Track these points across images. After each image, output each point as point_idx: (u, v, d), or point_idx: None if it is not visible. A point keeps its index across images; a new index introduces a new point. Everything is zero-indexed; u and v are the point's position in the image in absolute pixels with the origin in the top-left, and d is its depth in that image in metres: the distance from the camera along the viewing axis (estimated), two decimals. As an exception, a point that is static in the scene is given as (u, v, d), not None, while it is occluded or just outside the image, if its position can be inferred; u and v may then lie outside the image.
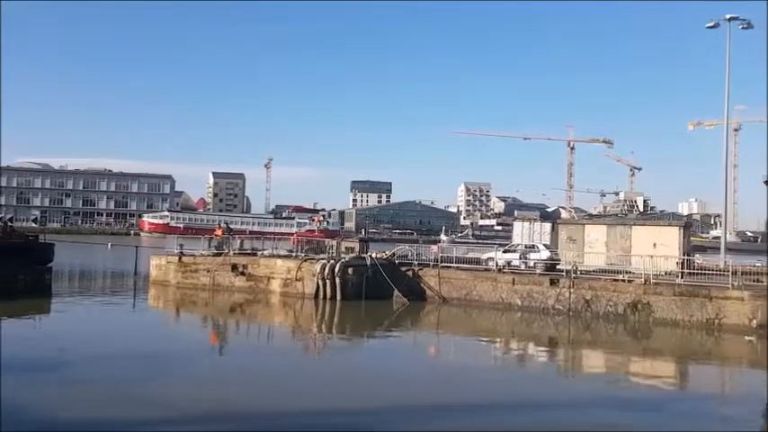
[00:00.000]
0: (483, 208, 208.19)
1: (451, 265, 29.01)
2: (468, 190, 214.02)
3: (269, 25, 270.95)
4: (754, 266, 29.36)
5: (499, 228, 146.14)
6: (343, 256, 29.17)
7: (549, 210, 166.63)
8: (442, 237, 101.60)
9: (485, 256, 30.42)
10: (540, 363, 19.22)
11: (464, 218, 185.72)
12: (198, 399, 12.15)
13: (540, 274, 27.18)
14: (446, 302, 27.42)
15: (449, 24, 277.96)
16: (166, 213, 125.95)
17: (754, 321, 21.54)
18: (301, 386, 13.84)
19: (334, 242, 32.14)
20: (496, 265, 28.25)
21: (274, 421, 11.23)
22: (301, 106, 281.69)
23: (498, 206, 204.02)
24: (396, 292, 27.75)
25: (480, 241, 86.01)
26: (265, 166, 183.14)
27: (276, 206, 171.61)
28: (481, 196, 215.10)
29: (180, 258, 31.41)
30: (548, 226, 36.49)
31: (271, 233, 56.67)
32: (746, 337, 21.12)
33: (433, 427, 11.23)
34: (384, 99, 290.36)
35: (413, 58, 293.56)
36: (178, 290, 29.94)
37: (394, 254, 30.78)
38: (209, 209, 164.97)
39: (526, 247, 31.00)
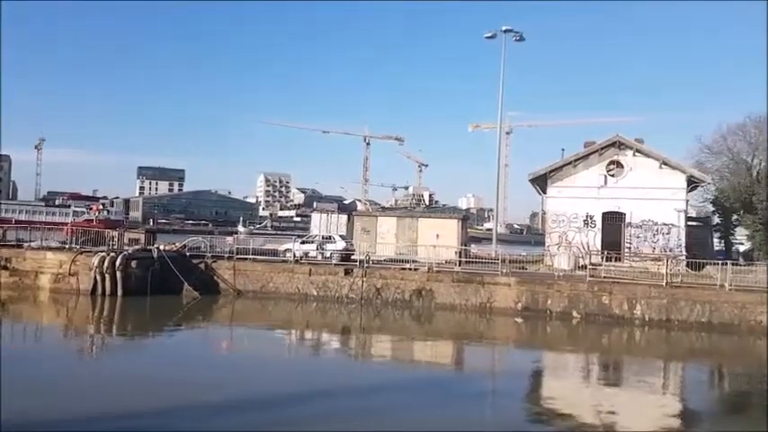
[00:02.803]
0: (283, 199, 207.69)
1: (248, 256, 28.46)
2: (267, 180, 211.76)
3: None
4: (520, 256, 33.22)
5: (298, 219, 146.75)
6: (126, 248, 27.08)
7: (346, 202, 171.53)
8: (240, 228, 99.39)
9: (282, 248, 30.37)
10: (333, 350, 19.61)
11: (263, 209, 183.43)
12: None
13: (335, 265, 27.81)
14: (241, 295, 26.79)
15: (244, 18, 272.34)
16: None
17: (520, 304, 24.33)
18: (73, 391, 12.44)
19: (116, 233, 29.50)
20: (294, 257, 28.32)
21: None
22: (81, 84, 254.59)
23: (298, 197, 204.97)
24: (186, 285, 26.38)
25: (279, 232, 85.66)
26: (36, 147, 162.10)
27: (48, 193, 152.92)
28: (281, 187, 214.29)
29: (-77, 251, 26.67)
30: (344, 218, 37.64)
31: (41, 223, 50.28)
32: (516, 319, 23.74)
33: (221, 425, 10.75)
34: (174, 83, 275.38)
35: (207, 47, 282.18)
36: None
37: (185, 245, 29.35)
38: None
39: (323, 238, 31.59)
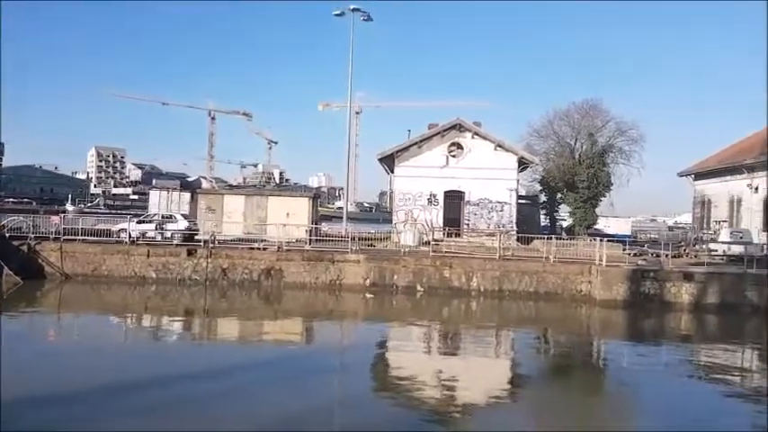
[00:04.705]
0: (117, 175, 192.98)
1: (77, 237, 26.27)
2: (99, 155, 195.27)
3: None
4: (369, 233, 34.00)
5: (135, 197, 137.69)
6: (-72, 229, 23.65)
7: (189, 179, 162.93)
8: (68, 206, 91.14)
9: (117, 228, 28.32)
10: (174, 335, 18.70)
11: (95, 186, 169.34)
12: None
13: (177, 245, 26.54)
14: (69, 279, 24.71)
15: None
16: None
17: (368, 281, 24.91)
18: None
19: None
20: (129, 237, 26.54)
21: None
22: None
23: (135, 174, 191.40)
24: (5, 270, 23.85)
25: (114, 211, 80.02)
26: None
27: None
28: (115, 162, 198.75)
29: None
30: (187, 196, 36.03)
31: None
32: (366, 295, 24.25)
33: (42, 421, 9.80)
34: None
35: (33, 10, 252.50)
36: None
37: (4, 226, 26.49)
38: None
39: (163, 217, 29.97)
